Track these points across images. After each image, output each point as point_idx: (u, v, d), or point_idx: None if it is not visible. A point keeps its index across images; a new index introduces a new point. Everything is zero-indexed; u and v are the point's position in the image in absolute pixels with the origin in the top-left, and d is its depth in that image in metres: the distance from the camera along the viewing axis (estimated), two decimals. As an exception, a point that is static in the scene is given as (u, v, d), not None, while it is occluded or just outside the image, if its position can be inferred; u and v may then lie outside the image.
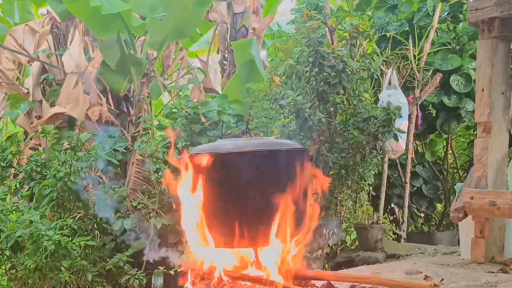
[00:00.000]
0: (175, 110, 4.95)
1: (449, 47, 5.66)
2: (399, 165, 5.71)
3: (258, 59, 6.26)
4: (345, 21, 5.73)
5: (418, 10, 5.77)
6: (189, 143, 4.78)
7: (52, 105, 5.82)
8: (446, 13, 5.83)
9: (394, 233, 5.28)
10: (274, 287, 2.46)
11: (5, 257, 4.38)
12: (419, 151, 6.18)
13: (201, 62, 7.12)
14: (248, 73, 6.12)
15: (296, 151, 2.63)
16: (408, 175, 5.53)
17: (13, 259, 4.30)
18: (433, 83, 5.37)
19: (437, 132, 5.94)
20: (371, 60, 4.95)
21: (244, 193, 2.45)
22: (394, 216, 5.86)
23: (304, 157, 2.65)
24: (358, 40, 5.18)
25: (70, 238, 4.16)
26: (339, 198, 4.58)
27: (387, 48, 5.64)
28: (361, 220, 4.83)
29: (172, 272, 4.38)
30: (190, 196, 2.61)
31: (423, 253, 4.68)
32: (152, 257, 4.10)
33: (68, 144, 5.11)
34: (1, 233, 4.18)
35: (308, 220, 2.70)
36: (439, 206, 6.28)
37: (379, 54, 5.57)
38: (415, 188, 5.94)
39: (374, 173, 4.75)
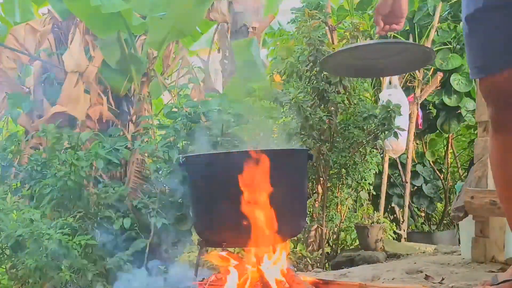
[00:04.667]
0: (175, 110, 4.96)
1: (450, 46, 5.66)
2: (399, 165, 5.72)
3: (258, 59, 6.26)
4: (346, 20, 5.73)
5: (418, 9, 5.78)
6: (189, 142, 4.78)
7: (52, 104, 5.83)
8: (446, 12, 5.83)
9: (394, 232, 5.28)
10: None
11: (6, 256, 4.38)
12: (420, 150, 6.19)
13: (201, 62, 7.12)
14: (249, 73, 6.12)
15: (297, 151, 2.63)
16: (409, 175, 5.54)
17: (13, 258, 4.31)
18: (434, 83, 5.37)
19: (438, 131, 5.95)
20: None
21: (244, 193, 2.45)
22: (395, 215, 5.86)
23: (304, 157, 2.65)
24: (358, 39, 5.18)
25: (71, 237, 4.16)
26: (340, 197, 4.59)
27: (388, 48, 5.63)
28: (361, 219, 4.83)
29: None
30: (192, 196, 2.62)
31: (423, 252, 4.68)
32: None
33: (68, 143, 5.11)
34: (1, 232, 4.18)
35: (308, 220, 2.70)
36: (439, 206, 6.28)
37: (380, 53, 5.56)
38: (416, 187, 5.95)
39: (374, 172, 4.76)
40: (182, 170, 2.66)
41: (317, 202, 4.51)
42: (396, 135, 4.36)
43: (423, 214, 6.21)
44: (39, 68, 6.05)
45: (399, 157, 5.59)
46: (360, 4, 6.27)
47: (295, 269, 3.64)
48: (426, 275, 3.15)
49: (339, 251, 4.78)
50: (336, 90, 4.28)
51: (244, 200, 2.44)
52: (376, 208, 5.28)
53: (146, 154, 5.20)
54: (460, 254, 3.97)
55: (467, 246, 3.70)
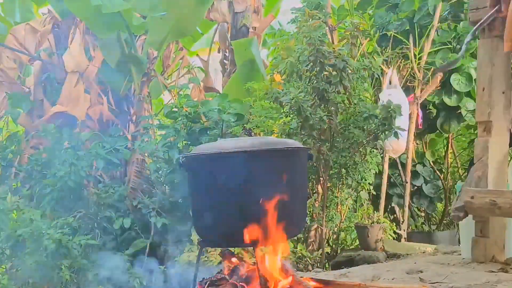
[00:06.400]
0: (176, 109, 4.95)
1: (450, 46, 5.65)
2: (399, 165, 5.71)
3: (258, 58, 6.26)
4: (346, 20, 5.72)
5: (418, 9, 5.77)
6: (189, 142, 4.78)
7: (53, 104, 5.83)
8: (446, 12, 5.83)
9: (394, 232, 5.28)
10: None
11: (6, 256, 4.38)
12: (420, 150, 6.18)
13: (201, 61, 7.12)
14: (249, 72, 6.12)
15: (297, 150, 2.62)
16: (409, 175, 5.53)
17: (13, 258, 4.31)
18: (434, 83, 5.37)
19: (438, 131, 5.94)
20: (371, 59, 4.95)
21: (244, 192, 2.45)
22: (395, 215, 5.86)
23: (304, 156, 2.65)
24: (358, 39, 5.18)
25: (71, 237, 4.16)
26: (340, 197, 4.59)
27: (388, 47, 5.64)
28: (361, 219, 4.83)
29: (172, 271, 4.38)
30: (193, 196, 2.62)
31: (423, 252, 4.68)
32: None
33: (68, 143, 5.11)
34: (1, 232, 4.18)
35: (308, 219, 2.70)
36: (439, 206, 6.28)
37: (380, 53, 5.57)
38: (416, 187, 5.94)
39: (374, 172, 4.75)
40: (182, 169, 2.65)
41: (317, 202, 4.51)
42: (396, 135, 4.36)
43: (423, 214, 6.21)
44: (39, 68, 6.04)
45: (399, 157, 5.59)
46: (360, 4, 6.26)
47: (295, 269, 3.63)
48: (420, 278, 3.15)
49: (339, 251, 4.78)
50: (336, 90, 4.28)
51: (244, 199, 2.44)
52: (376, 208, 5.27)
53: (146, 154, 5.20)
54: (460, 254, 3.97)
55: (467, 246, 3.70)
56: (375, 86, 5.56)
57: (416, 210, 6.16)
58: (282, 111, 4.43)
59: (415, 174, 5.86)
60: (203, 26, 7.14)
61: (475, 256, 3.58)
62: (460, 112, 5.68)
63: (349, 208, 4.87)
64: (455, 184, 5.32)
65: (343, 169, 4.42)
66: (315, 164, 4.28)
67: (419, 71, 5.42)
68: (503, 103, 3.61)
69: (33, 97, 5.96)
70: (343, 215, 4.76)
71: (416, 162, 5.94)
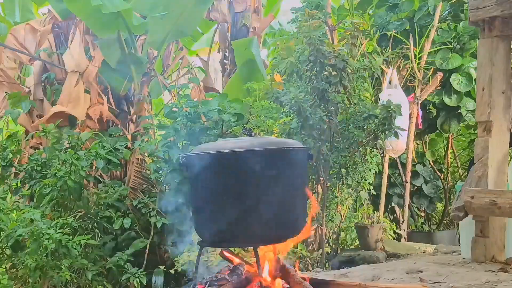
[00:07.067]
0: (176, 109, 4.95)
1: (450, 46, 5.66)
2: (399, 164, 5.72)
3: (258, 58, 6.26)
4: (346, 20, 5.73)
5: (418, 9, 5.78)
6: (189, 142, 4.78)
7: (53, 104, 5.83)
8: (447, 12, 5.83)
9: (394, 232, 5.29)
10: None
11: (6, 256, 4.38)
12: (420, 150, 6.19)
13: (201, 61, 7.13)
14: (249, 72, 6.12)
15: (297, 150, 2.62)
16: (409, 174, 5.54)
17: (13, 258, 4.30)
18: (434, 82, 5.37)
19: (438, 131, 5.95)
20: (371, 59, 4.95)
21: (244, 192, 2.45)
22: (395, 215, 5.86)
23: (304, 156, 2.65)
24: (358, 39, 5.18)
25: (71, 237, 4.16)
26: (340, 197, 4.59)
27: (388, 47, 5.64)
28: (361, 219, 4.83)
29: (172, 271, 4.39)
30: (192, 195, 2.61)
31: (423, 252, 4.68)
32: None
33: (68, 143, 5.11)
34: (1, 232, 4.18)
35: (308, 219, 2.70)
36: (439, 205, 6.29)
37: (380, 53, 5.57)
38: (416, 187, 5.95)
39: (374, 172, 4.75)
40: (182, 169, 2.65)
41: (317, 202, 4.51)
42: (396, 135, 4.36)
43: (423, 214, 6.21)
44: (39, 68, 6.04)
45: (399, 157, 5.59)
46: (360, 4, 6.27)
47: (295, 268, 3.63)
48: (420, 278, 3.15)
49: (339, 251, 4.78)
50: (336, 90, 4.28)
51: (244, 199, 2.44)
52: (376, 208, 5.27)
53: (146, 154, 5.20)
54: (460, 254, 3.97)
55: (467, 246, 3.70)
56: (375, 86, 5.56)
57: (416, 210, 6.16)
58: (282, 111, 4.43)
59: (415, 174, 5.86)
60: (203, 26, 7.15)
61: (475, 256, 3.58)
62: (460, 112, 5.68)
63: (349, 208, 4.87)
64: (455, 184, 5.32)
65: (343, 169, 4.42)
66: (315, 164, 4.28)
67: (419, 71, 5.42)
68: (503, 103, 3.61)
69: (33, 97, 5.96)
70: (343, 215, 4.76)
71: (416, 162, 5.94)
